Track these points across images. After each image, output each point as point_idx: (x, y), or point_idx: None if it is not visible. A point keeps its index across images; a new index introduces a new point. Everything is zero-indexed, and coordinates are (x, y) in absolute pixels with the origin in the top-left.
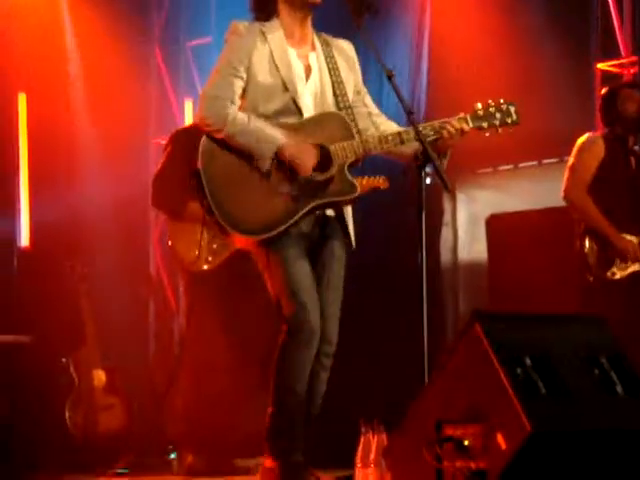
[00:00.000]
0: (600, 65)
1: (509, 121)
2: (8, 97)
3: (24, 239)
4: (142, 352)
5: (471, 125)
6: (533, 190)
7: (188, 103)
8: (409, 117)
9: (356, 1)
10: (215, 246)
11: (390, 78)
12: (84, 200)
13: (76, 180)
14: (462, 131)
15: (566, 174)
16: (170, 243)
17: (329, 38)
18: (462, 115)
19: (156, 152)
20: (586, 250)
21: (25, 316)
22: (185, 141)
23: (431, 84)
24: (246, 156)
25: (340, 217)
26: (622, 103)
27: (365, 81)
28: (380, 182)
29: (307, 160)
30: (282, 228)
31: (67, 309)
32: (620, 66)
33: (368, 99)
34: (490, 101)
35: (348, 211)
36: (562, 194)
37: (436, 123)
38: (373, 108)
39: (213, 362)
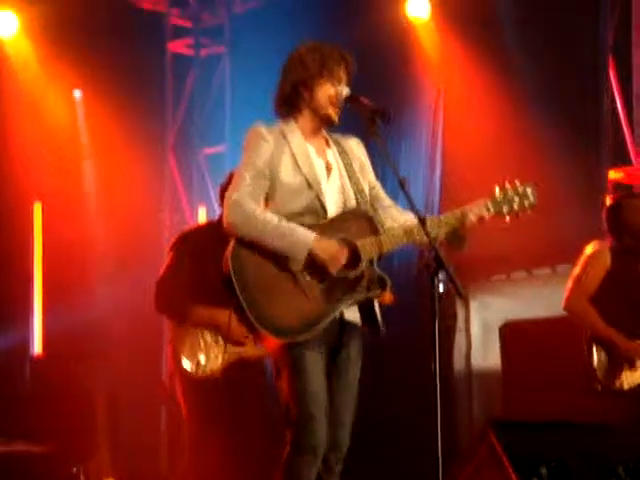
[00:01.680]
0: (611, 173)
1: (527, 204)
2: (24, 206)
3: (37, 347)
4: (153, 460)
5: (492, 211)
6: (547, 297)
7: (202, 210)
8: (421, 224)
9: (368, 109)
10: (217, 352)
11: (402, 185)
12: (97, 306)
13: (89, 287)
14: (482, 219)
15: (569, 284)
16: (173, 347)
17: (338, 136)
18: (482, 200)
19: None
20: (593, 359)
21: (37, 425)
22: (189, 245)
23: (445, 183)
24: (276, 256)
25: (369, 305)
26: (628, 215)
27: (383, 179)
28: (387, 298)
29: (338, 258)
30: (316, 330)
31: (79, 417)
32: (630, 175)
33: (382, 192)
34: (507, 184)
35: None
36: (563, 304)
37: (457, 211)
38: (387, 200)
39: (214, 468)
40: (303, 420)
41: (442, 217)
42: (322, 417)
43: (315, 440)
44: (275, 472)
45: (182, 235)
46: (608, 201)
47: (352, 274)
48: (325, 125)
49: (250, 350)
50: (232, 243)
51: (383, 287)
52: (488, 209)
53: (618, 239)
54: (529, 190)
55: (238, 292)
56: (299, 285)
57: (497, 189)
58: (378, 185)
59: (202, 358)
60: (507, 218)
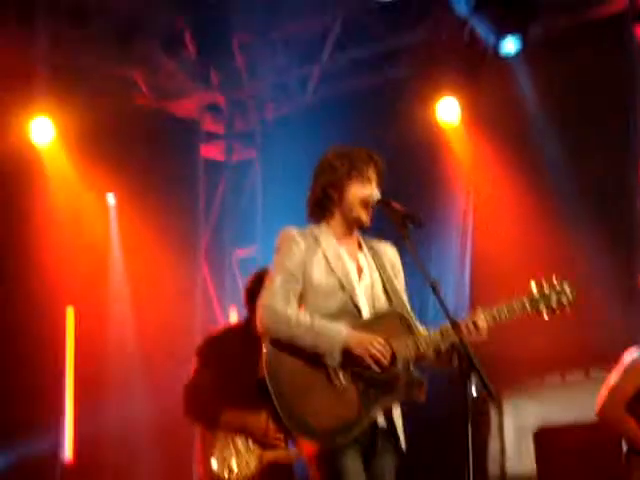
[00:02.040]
0: None
1: (565, 301)
2: (57, 311)
3: (67, 453)
4: None
5: (529, 309)
6: (581, 402)
7: (233, 311)
8: (453, 326)
9: (399, 214)
10: (249, 457)
11: (434, 288)
12: (128, 412)
13: (121, 393)
14: (476, 325)
15: (604, 391)
16: (203, 453)
17: (373, 241)
18: (518, 298)
19: None
20: (631, 468)
21: None
22: (214, 349)
23: (474, 285)
24: (312, 357)
25: (390, 420)
26: None
27: (411, 282)
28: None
29: (372, 352)
30: (354, 433)
31: None
32: None
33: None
34: (543, 281)
35: (397, 416)
36: (596, 411)
37: (494, 310)
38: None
39: None
40: None
41: (482, 313)
42: None
43: None
44: None
45: (207, 339)
46: None
47: (386, 375)
48: (356, 227)
49: (283, 454)
50: (266, 348)
51: (419, 388)
52: (525, 307)
53: None
54: (566, 287)
55: (274, 397)
56: (335, 388)
57: (533, 285)
58: (405, 296)
59: (234, 464)
60: (545, 316)
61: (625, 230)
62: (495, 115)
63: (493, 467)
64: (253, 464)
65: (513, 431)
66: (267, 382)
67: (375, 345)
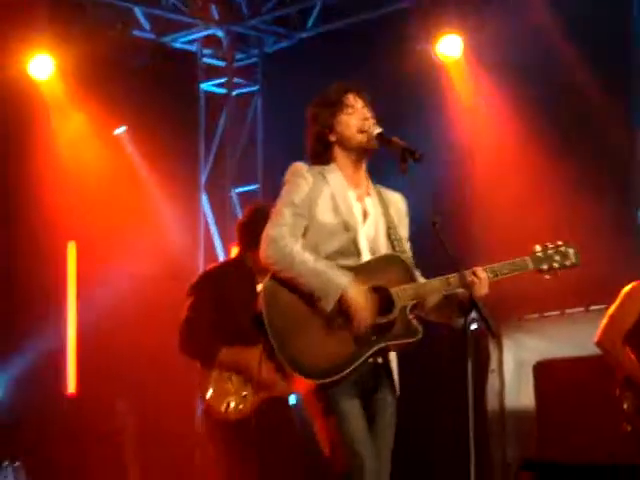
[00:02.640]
0: None
1: (568, 263)
2: (59, 246)
3: (70, 386)
4: None
5: (531, 267)
6: (580, 336)
7: (234, 249)
8: (455, 263)
9: (400, 148)
10: (245, 394)
11: (434, 225)
12: (130, 346)
13: (122, 327)
14: (481, 279)
15: (603, 321)
16: (200, 390)
17: (382, 188)
18: (521, 257)
19: None
20: (623, 399)
21: (69, 463)
22: (210, 285)
23: (477, 231)
24: (309, 297)
25: (387, 364)
26: None
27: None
28: None
29: (365, 312)
30: (345, 373)
31: (111, 454)
32: None
33: (409, 254)
34: (548, 243)
35: (392, 358)
36: (595, 340)
37: (495, 265)
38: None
39: None
40: (352, 461)
41: (487, 268)
42: (368, 453)
43: (365, 476)
44: None
45: (202, 275)
46: None
47: (383, 320)
48: (363, 156)
49: (280, 388)
50: (265, 282)
51: (416, 335)
52: (527, 265)
53: None
54: (571, 251)
55: (269, 332)
56: (330, 327)
57: (537, 247)
58: (408, 245)
59: (231, 400)
60: (547, 276)
61: (624, 167)
62: (498, 52)
63: (492, 402)
64: (249, 401)
65: (513, 366)
66: (263, 317)
67: (368, 307)
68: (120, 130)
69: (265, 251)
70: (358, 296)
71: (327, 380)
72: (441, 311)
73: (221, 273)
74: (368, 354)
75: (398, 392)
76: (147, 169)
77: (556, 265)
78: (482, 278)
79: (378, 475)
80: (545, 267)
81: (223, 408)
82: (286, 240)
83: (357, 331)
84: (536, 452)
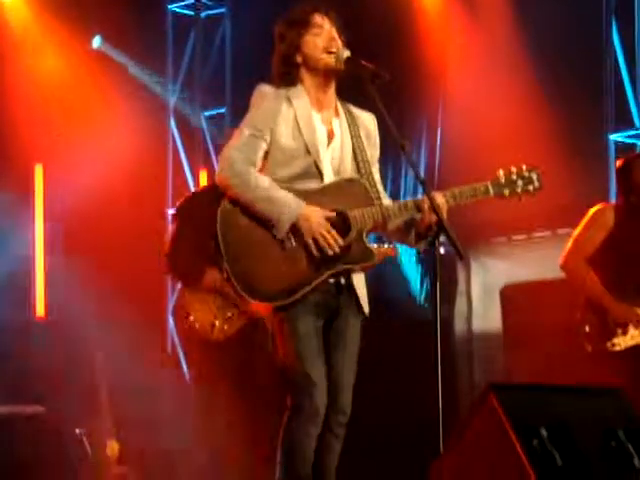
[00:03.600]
0: (613, 136)
1: (531, 188)
2: (26, 168)
3: (39, 310)
4: (156, 425)
5: (492, 192)
6: (547, 260)
7: (203, 173)
8: (422, 186)
9: (368, 71)
10: (230, 314)
11: (403, 148)
12: (99, 271)
13: (91, 253)
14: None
15: (568, 244)
16: (185, 312)
17: (353, 108)
18: (482, 183)
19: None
20: (585, 319)
21: (39, 386)
22: (193, 208)
23: (445, 154)
24: (264, 221)
25: (350, 286)
26: (638, 173)
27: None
28: (389, 251)
29: (323, 228)
30: (298, 295)
31: (81, 379)
32: (634, 137)
33: (377, 175)
34: (512, 167)
35: (360, 279)
36: (560, 262)
37: (419, 200)
38: (379, 185)
39: (225, 432)
40: (300, 383)
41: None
42: (320, 379)
43: (314, 403)
44: (277, 435)
45: (185, 200)
46: (618, 162)
47: (341, 243)
48: (330, 77)
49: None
50: (222, 203)
51: (371, 259)
52: (487, 190)
53: (626, 198)
54: (534, 175)
55: (224, 256)
56: (285, 250)
57: (501, 171)
58: (377, 166)
59: (216, 321)
60: (508, 200)
61: (594, 92)
62: None
63: (460, 324)
64: (234, 322)
65: (480, 289)
66: (218, 238)
67: (322, 232)
68: (97, 41)
69: (221, 171)
70: (312, 215)
71: (280, 302)
72: (402, 234)
73: (202, 198)
74: (323, 277)
75: (367, 311)
76: (115, 91)
77: (519, 190)
78: (441, 203)
79: (326, 396)
80: (507, 192)
81: (208, 329)
82: (243, 164)
83: (321, 248)
84: (503, 375)
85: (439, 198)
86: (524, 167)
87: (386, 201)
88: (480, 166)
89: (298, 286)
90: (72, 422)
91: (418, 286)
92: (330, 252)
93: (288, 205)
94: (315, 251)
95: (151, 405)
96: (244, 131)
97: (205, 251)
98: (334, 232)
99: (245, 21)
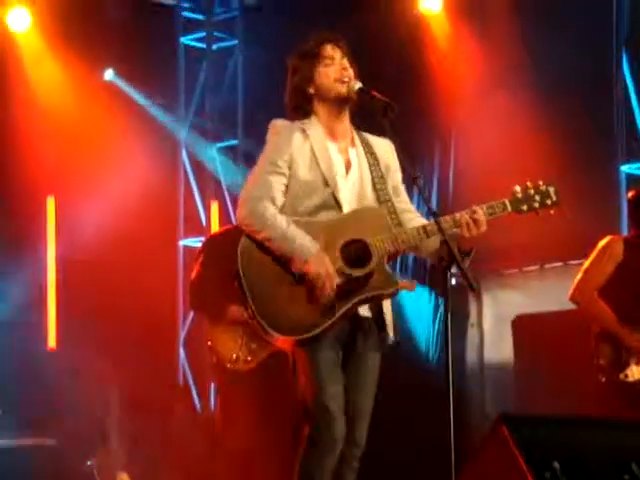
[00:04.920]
0: (624, 167)
1: (549, 202)
2: (38, 201)
3: (50, 341)
4: (166, 456)
5: (509, 209)
6: (559, 291)
7: (214, 205)
8: (433, 216)
9: (381, 103)
10: (254, 346)
11: (415, 181)
12: (111, 302)
13: (103, 284)
14: (477, 221)
15: (578, 276)
16: (210, 344)
17: (369, 136)
18: (500, 200)
19: (185, 254)
20: (599, 350)
21: (49, 417)
22: (217, 246)
23: (458, 182)
24: (281, 257)
25: (378, 312)
26: None
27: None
28: (407, 285)
29: (329, 282)
30: (322, 328)
31: (91, 411)
32: None
33: (404, 195)
34: (528, 183)
35: (386, 305)
36: (569, 295)
37: (457, 214)
38: (409, 205)
39: (247, 461)
40: (319, 415)
41: (442, 219)
42: (338, 411)
43: (332, 435)
44: (294, 467)
45: (211, 237)
46: (629, 194)
47: (360, 272)
48: (344, 107)
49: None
50: (242, 239)
51: (393, 287)
52: (505, 207)
53: (637, 230)
54: (552, 189)
55: (246, 291)
56: (306, 284)
57: (517, 187)
58: (401, 188)
59: (239, 353)
60: (526, 214)
61: (603, 122)
62: (479, 3)
63: (472, 356)
64: (257, 354)
65: (492, 320)
66: (240, 274)
67: (327, 288)
68: (109, 74)
69: (240, 211)
70: (319, 267)
71: (303, 336)
72: (440, 256)
73: (228, 236)
74: (345, 308)
75: (392, 339)
76: (127, 124)
77: (536, 205)
78: (480, 221)
79: (344, 430)
80: (524, 208)
81: (232, 360)
82: (262, 201)
83: (322, 299)
84: (514, 406)
85: (478, 216)
86: (540, 182)
87: (418, 221)
88: (493, 194)
89: (320, 319)
90: (83, 454)
91: (431, 337)
92: (324, 300)
93: (303, 245)
94: (325, 296)
95: (162, 436)
96: (261, 169)
97: (229, 288)
98: (333, 288)
99: (256, 53)
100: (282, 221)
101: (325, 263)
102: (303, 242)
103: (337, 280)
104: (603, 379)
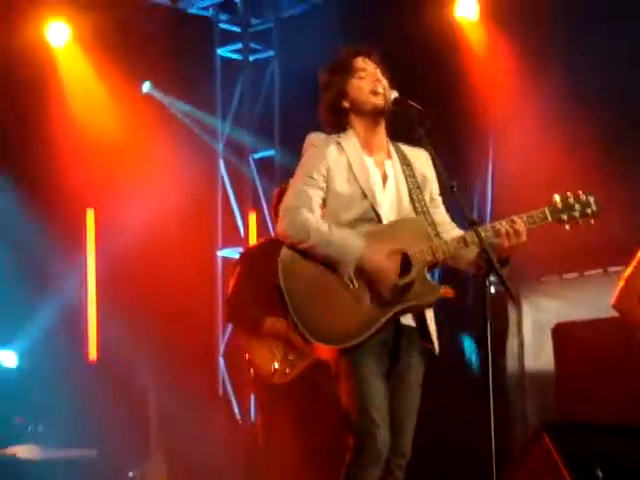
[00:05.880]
0: None
1: (589, 212)
2: (77, 213)
3: (91, 353)
4: (206, 463)
5: (550, 218)
6: (599, 298)
7: (252, 216)
8: (471, 226)
9: (417, 112)
10: (292, 358)
11: (452, 189)
12: (151, 313)
13: (143, 296)
14: (517, 231)
15: (620, 284)
16: (247, 357)
17: (405, 147)
18: (539, 209)
19: (222, 265)
20: None
21: (92, 428)
22: (255, 259)
23: (496, 187)
24: (326, 265)
25: (422, 322)
26: None
27: None
28: (447, 291)
29: (386, 271)
30: (365, 336)
31: (133, 422)
32: None
33: (441, 207)
34: (568, 193)
35: (429, 316)
36: (612, 303)
37: (496, 224)
38: (446, 216)
39: (288, 474)
40: (363, 425)
41: (482, 230)
42: (383, 420)
43: (376, 445)
44: (338, 478)
45: (248, 250)
46: None
47: (401, 282)
48: (379, 119)
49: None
50: (282, 252)
51: (434, 296)
52: (545, 217)
53: None
54: (592, 199)
55: (287, 302)
56: (348, 293)
57: (557, 197)
58: (439, 199)
59: (277, 365)
60: (567, 226)
61: None
62: (516, 11)
63: (512, 364)
64: (296, 365)
65: (532, 328)
66: (281, 287)
67: (387, 279)
68: (147, 86)
69: (281, 224)
70: (375, 255)
71: (346, 345)
72: (477, 265)
73: (265, 248)
74: (387, 316)
75: (437, 350)
76: (166, 136)
77: (576, 214)
78: (520, 231)
79: (389, 438)
80: (565, 217)
81: (270, 372)
82: (301, 212)
83: (381, 289)
84: (556, 414)
85: (518, 226)
86: (580, 192)
87: (456, 232)
88: (532, 202)
89: (363, 328)
90: (125, 465)
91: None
92: (390, 292)
93: (351, 243)
94: (379, 287)
95: (202, 446)
96: (298, 182)
97: (267, 301)
98: (393, 275)
99: (293, 64)
100: (324, 226)
101: (379, 252)
102: (351, 243)
103: (377, 289)
104: None
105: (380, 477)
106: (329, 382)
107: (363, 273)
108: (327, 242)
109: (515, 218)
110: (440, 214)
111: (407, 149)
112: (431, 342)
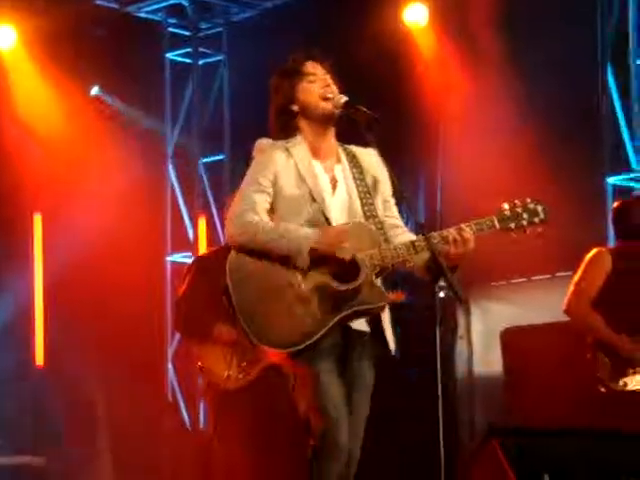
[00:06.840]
0: (611, 179)
1: (537, 220)
2: (24, 218)
3: (38, 358)
4: (154, 469)
5: (498, 226)
6: (547, 303)
7: (201, 220)
8: (421, 229)
9: (367, 117)
10: (245, 364)
11: (402, 194)
12: (98, 319)
13: (90, 301)
14: (464, 239)
15: (570, 288)
16: (200, 364)
17: (355, 149)
18: (488, 217)
19: (171, 270)
20: (597, 361)
21: (39, 436)
22: (206, 266)
23: (445, 193)
24: (274, 267)
25: (376, 326)
26: (635, 216)
27: None
28: (396, 297)
29: (341, 242)
30: (312, 340)
31: (80, 428)
32: (631, 180)
33: (393, 210)
34: (517, 201)
35: (385, 318)
36: (564, 308)
37: (444, 231)
38: (397, 220)
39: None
40: (323, 422)
41: (431, 235)
42: (343, 418)
43: (337, 441)
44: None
45: (198, 258)
46: (615, 205)
47: (349, 286)
48: (328, 124)
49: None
50: (229, 257)
51: (382, 301)
52: (493, 225)
53: (623, 241)
54: (540, 207)
55: (235, 306)
56: (296, 297)
57: (506, 205)
58: (391, 202)
59: (230, 371)
60: (514, 234)
61: (590, 134)
62: (464, 17)
63: (461, 368)
64: (248, 371)
65: (480, 332)
66: (229, 292)
67: (342, 247)
68: (95, 90)
69: (229, 229)
70: (327, 233)
71: (294, 349)
72: (426, 271)
73: (215, 256)
74: (334, 321)
75: (393, 351)
76: (113, 140)
77: (524, 223)
78: (467, 239)
79: (347, 438)
80: (512, 226)
81: (223, 379)
82: (247, 214)
83: (329, 293)
84: (504, 418)
85: (466, 234)
86: (528, 200)
87: (407, 236)
88: (481, 210)
89: (311, 332)
90: (72, 472)
91: None
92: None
93: (301, 232)
94: (326, 292)
95: (151, 452)
96: (246, 187)
97: (217, 306)
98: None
99: (242, 68)
100: (272, 224)
101: (331, 235)
102: (303, 233)
103: (325, 293)
104: (602, 389)
105: (342, 473)
106: (285, 384)
107: (318, 260)
108: (279, 235)
109: (463, 226)
110: (391, 218)
111: (358, 150)
112: (386, 346)
